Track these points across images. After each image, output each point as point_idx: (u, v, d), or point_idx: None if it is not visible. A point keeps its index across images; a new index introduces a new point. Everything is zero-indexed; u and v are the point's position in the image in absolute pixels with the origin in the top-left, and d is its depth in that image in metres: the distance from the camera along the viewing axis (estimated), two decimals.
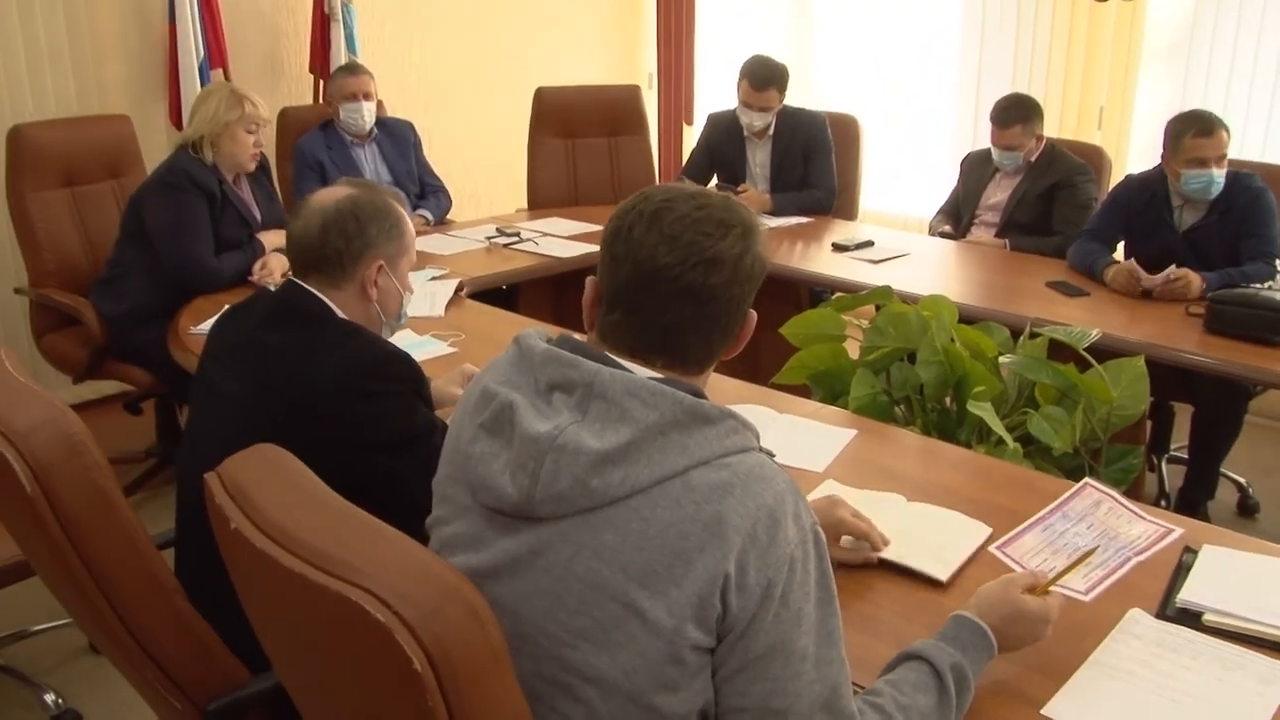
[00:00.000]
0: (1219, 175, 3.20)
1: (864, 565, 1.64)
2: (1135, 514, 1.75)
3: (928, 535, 1.71)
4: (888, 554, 1.65)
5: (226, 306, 1.97)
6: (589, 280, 1.28)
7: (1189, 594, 1.53)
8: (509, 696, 1.05)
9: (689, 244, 1.17)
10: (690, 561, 1.08)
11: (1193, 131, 3.19)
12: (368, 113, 4.03)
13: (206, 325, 2.85)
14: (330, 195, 1.88)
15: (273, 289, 2.04)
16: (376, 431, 1.74)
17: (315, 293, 1.83)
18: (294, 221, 1.87)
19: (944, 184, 4.36)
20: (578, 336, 1.25)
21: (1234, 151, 3.26)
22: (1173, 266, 3.13)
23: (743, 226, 1.21)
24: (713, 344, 1.24)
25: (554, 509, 1.12)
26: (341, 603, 0.98)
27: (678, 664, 1.10)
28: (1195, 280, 3.11)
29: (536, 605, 1.14)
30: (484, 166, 5.46)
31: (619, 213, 1.24)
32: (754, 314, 1.27)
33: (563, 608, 1.12)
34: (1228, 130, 3.19)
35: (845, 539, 1.65)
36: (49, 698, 2.55)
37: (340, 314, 1.84)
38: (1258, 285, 2.97)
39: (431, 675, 0.95)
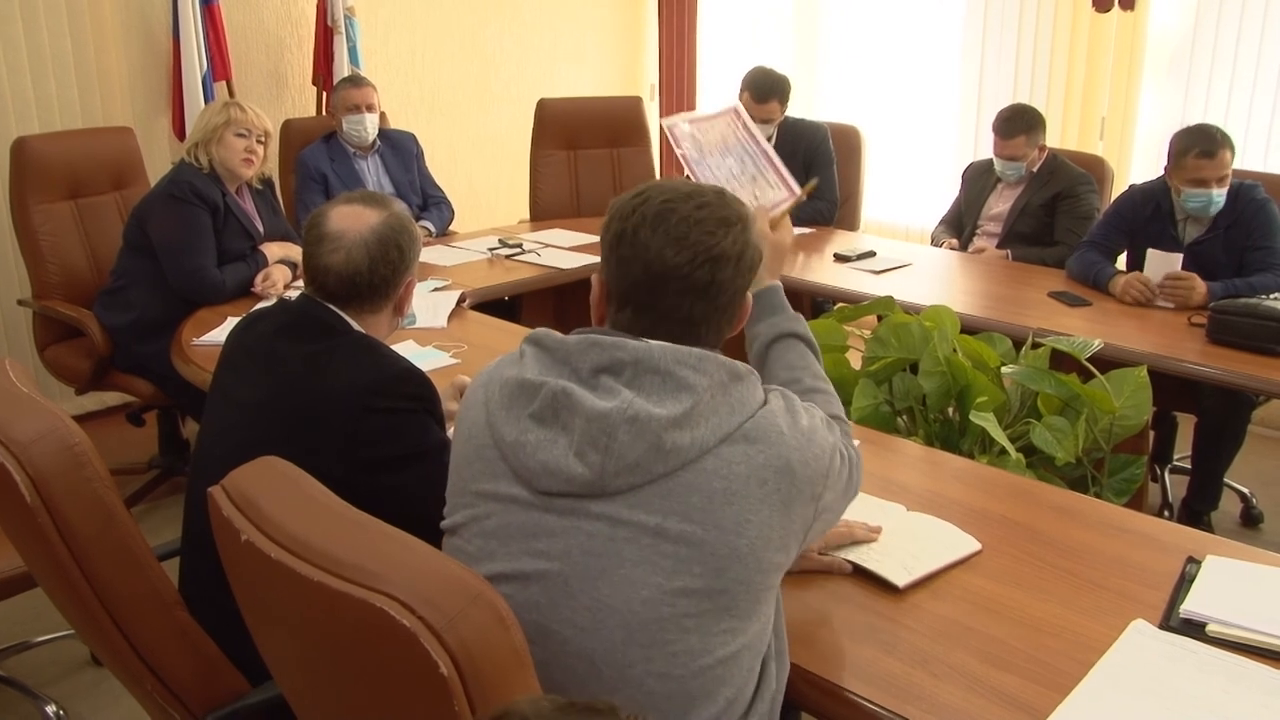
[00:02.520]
0: (1219, 195, 3.19)
1: (838, 572, 1.65)
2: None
3: (908, 543, 1.70)
4: (856, 557, 1.65)
5: (248, 313, 1.97)
6: (595, 278, 1.35)
7: (1193, 605, 1.52)
8: None
9: (695, 244, 1.26)
10: (783, 502, 1.24)
11: (1196, 151, 3.17)
12: (370, 124, 4.04)
13: (209, 337, 2.86)
14: (361, 223, 1.83)
15: (274, 299, 2.04)
16: (386, 446, 1.73)
17: (333, 308, 1.83)
18: (329, 255, 1.81)
19: (946, 194, 4.36)
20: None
21: (1235, 161, 3.25)
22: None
23: (741, 221, 1.31)
24: (721, 330, 1.34)
25: (629, 480, 1.20)
26: (365, 609, 0.98)
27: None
28: (1200, 285, 3.09)
29: (625, 574, 1.20)
30: (486, 178, 5.47)
31: (620, 214, 1.31)
32: (750, 296, 1.38)
33: (658, 571, 1.20)
34: (1233, 149, 3.17)
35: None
36: (50, 709, 2.55)
37: (356, 327, 1.84)
38: (1263, 296, 2.95)
39: (458, 679, 0.96)
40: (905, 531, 1.74)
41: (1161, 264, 3.17)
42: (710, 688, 1.23)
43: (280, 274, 3.28)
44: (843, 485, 1.38)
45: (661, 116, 5.94)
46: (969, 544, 1.71)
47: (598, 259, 1.33)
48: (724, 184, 1.65)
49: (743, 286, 1.32)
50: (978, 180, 4.09)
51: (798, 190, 1.70)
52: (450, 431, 2.02)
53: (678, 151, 1.72)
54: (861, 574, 1.63)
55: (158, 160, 4.10)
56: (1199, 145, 3.17)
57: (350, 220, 1.84)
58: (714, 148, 1.70)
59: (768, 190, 1.70)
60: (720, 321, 1.32)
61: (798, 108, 4.41)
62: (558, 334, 1.30)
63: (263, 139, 3.31)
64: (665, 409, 1.20)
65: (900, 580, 1.60)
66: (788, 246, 1.71)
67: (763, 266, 1.49)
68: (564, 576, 1.22)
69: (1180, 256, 3.15)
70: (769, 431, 1.25)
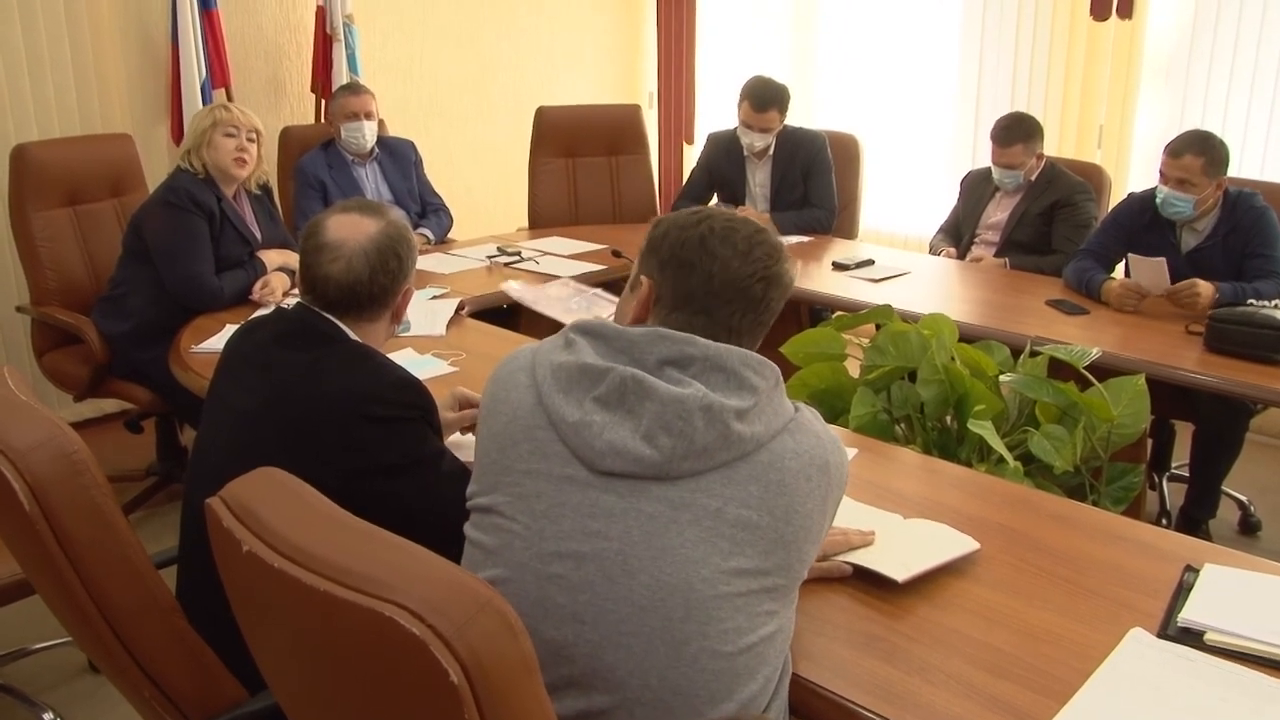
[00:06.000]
0: (1176, 197, 3.21)
1: (839, 575, 1.65)
2: None
3: (907, 543, 1.71)
4: (855, 558, 1.66)
5: (245, 321, 1.97)
6: (644, 280, 1.41)
7: (1191, 613, 1.52)
8: (539, 706, 1.05)
9: (758, 260, 1.37)
10: (822, 499, 1.33)
11: (1168, 148, 3.24)
12: (369, 132, 4.05)
13: (208, 344, 2.86)
14: (360, 231, 1.84)
15: (273, 307, 2.04)
16: (383, 454, 1.73)
17: (330, 317, 1.83)
18: (329, 264, 1.81)
19: (944, 203, 4.37)
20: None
21: (1232, 169, 3.26)
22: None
23: (787, 254, 1.43)
24: (755, 344, 1.42)
25: (694, 465, 1.27)
26: (372, 618, 0.98)
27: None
28: (1205, 289, 3.08)
29: (687, 554, 1.25)
30: (485, 185, 5.48)
31: (680, 223, 1.40)
32: None
33: (717, 551, 1.26)
34: (1210, 161, 3.17)
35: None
36: (48, 717, 2.54)
37: (353, 336, 1.84)
38: (1265, 303, 2.95)
39: (468, 687, 0.95)
40: (903, 535, 1.75)
41: (1146, 268, 3.20)
42: (753, 666, 1.28)
43: (279, 282, 3.28)
44: None
45: (660, 125, 5.95)
46: (967, 543, 1.71)
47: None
48: (560, 312, 1.78)
49: (779, 310, 1.42)
50: (976, 189, 4.10)
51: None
52: (447, 436, 2.03)
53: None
54: (860, 579, 1.63)
55: (156, 167, 4.10)
56: (1173, 142, 3.24)
57: (349, 229, 1.84)
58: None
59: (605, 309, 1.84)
60: (757, 336, 1.42)
61: (796, 115, 4.42)
62: (614, 324, 1.36)
63: (253, 137, 3.30)
64: (733, 401, 1.28)
65: (900, 575, 1.60)
66: None
67: None
68: (623, 555, 1.25)
69: (1164, 261, 3.17)
70: (809, 434, 1.35)
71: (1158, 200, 3.28)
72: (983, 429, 2.19)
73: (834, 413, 2.48)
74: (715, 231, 1.37)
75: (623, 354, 1.32)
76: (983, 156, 4.25)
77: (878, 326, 2.71)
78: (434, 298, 3.31)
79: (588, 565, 1.26)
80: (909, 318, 2.67)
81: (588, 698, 1.26)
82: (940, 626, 1.53)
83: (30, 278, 3.52)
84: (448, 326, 3.04)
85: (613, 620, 1.25)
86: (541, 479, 1.31)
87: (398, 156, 4.23)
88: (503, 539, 1.32)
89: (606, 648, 1.25)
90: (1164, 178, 3.25)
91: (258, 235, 3.39)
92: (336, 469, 1.65)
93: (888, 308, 2.73)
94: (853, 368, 2.58)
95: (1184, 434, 3.42)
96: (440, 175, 4.51)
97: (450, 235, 4.31)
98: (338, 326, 1.82)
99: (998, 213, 4.00)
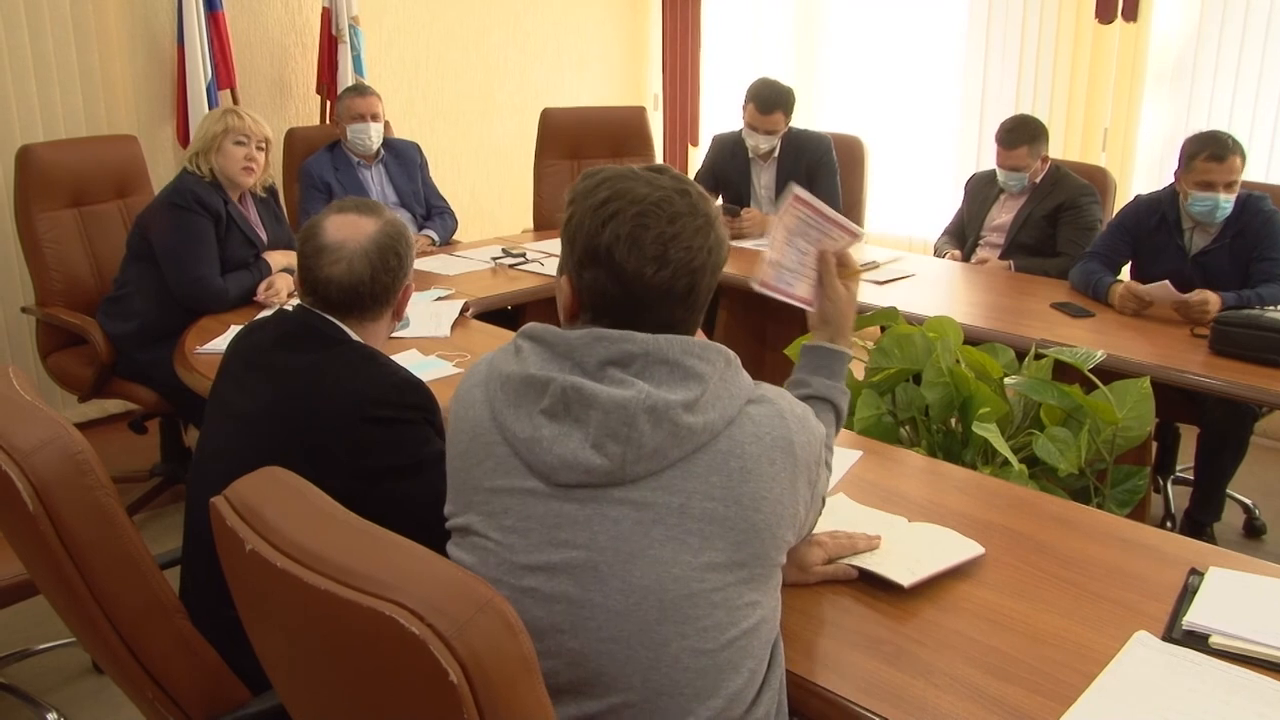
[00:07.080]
0: (1225, 201, 3.19)
1: (845, 579, 1.65)
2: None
3: (912, 549, 1.71)
4: (860, 561, 1.66)
5: (247, 323, 1.98)
6: (564, 281, 1.34)
7: (1195, 616, 1.52)
8: (539, 705, 1.05)
9: (675, 260, 1.28)
10: (790, 479, 1.29)
11: (1205, 154, 3.18)
12: (375, 133, 4.05)
13: (212, 345, 2.87)
14: (360, 232, 1.84)
15: (277, 308, 2.04)
16: (387, 456, 1.73)
17: (331, 319, 1.83)
18: (330, 266, 1.81)
19: (949, 205, 4.36)
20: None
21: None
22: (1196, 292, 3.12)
23: (710, 222, 1.32)
24: (696, 322, 1.36)
25: (649, 466, 1.23)
26: (374, 618, 0.98)
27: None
28: (1214, 301, 3.07)
29: (655, 554, 1.23)
30: (490, 187, 5.48)
31: (588, 227, 1.29)
32: None
33: (686, 548, 1.23)
34: (1243, 156, 3.18)
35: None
36: (51, 717, 2.55)
37: (355, 337, 1.84)
38: (1268, 307, 2.94)
39: (467, 687, 0.95)
40: (908, 539, 1.75)
41: (1165, 291, 3.16)
42: (736, 660, 1.27)
43: (284, 283, 3.29)
44: (824, 483, 1.45)
45: (665, 127, 5.96)
46: (972, 548, 1.71)
47: None
48: (796, 267, 1.75)
49: (714, 283, 1.34)
50: (980, 191, 4.09)
51: (857, 231, 1.74)
52: None
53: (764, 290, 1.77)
54: (865, 582, 1.63)
55: (162, 168, 4.11)
56: (1209, 148, 3.19)
57: (349, 230, 1.84)
58: (781, 246, 1.75)
59: (832, 245, 1.74)
60: (697, 317, 1.35)
61: (800, 118, 4.42)
62: (555, 328, 1.32)
63: (262, 145, 3.31)
64: (678, 395, 1.24)
65: (905, 580, 1.60)
66: (855, 301, 1.77)
67: (842, 321, 1.72)
68: (594, 563, 1.24)
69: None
70: (771, 415, 1.30)
71: (1197, 210, 3.23)
72: (987, 431, 2.19)
73: None
74: (622, 239, 1.26)
75: (565, 359, 1.28)
76: (987, 159, 4.25)
77: (882, 329, 2.71)
78: (439, 299, 3.30)
79: (559, 576, 1.25)
80: (914, 320, 2.67)
81: (579, 704, 1.26)
82: (944, 629, 1.52)
83: (35, 279, 3.53)
84: (452, 328, 3.04)
85: (591, 628, 1.24)
86: (506, 495, 1.29)
87: (403, 158, 4.23)
88: (479, 556, 1.32)
89: (589, 655, 1.24)
90: (1210, 186, 3.18)
91: (263, 237, 3.40)
92: (338, 470, 1.65)
93: (892, 310, 2.73)
94: (857, 370, 2.57)
95: (1189, 437, 3.42)
96: (445, 177, 4.52)
97: (455, 237, 4.31)
98: (339, 328, 1.83)
99: (1002, 215, 4.00)
